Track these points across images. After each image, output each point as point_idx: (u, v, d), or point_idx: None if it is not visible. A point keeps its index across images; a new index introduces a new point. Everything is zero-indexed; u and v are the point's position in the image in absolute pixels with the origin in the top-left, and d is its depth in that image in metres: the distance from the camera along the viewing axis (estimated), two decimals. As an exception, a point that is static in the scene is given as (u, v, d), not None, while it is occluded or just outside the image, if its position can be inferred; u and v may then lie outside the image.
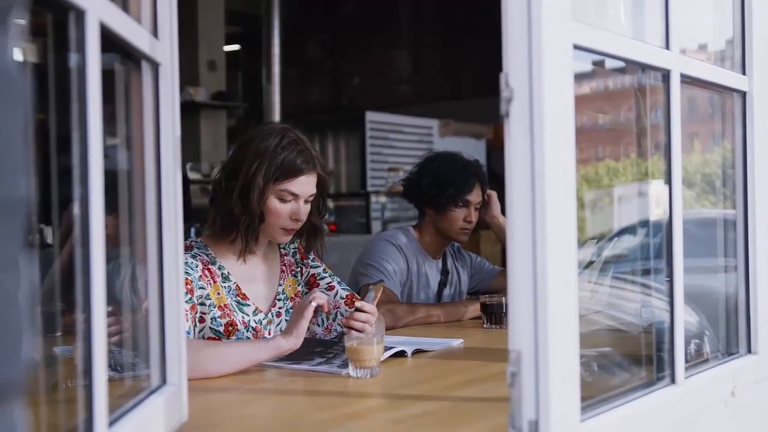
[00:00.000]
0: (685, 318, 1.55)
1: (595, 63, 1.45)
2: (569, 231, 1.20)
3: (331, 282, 2.37)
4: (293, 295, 2.34)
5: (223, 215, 2.18)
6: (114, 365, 1.35)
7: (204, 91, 7.42)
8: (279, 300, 2.31)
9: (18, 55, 0.60)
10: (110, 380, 1.06)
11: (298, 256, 2.39)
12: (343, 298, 2.33)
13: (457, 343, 2.33)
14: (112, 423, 1.08)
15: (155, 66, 1.33)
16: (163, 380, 1.36)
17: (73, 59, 1.01)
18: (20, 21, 0.61)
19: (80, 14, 0.98)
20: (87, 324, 1.00)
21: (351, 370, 1.85)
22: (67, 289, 1.12)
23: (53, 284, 1.64)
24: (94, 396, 1.00)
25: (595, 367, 1.55)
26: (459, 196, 2.95)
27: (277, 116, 8.55)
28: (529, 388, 1.15)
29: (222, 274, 2.20)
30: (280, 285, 2.32)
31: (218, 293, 2.16)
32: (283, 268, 2.35)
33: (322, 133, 8.50)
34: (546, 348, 1.14)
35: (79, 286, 1.00)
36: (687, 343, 1.59)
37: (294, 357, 2.01)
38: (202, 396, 1.65)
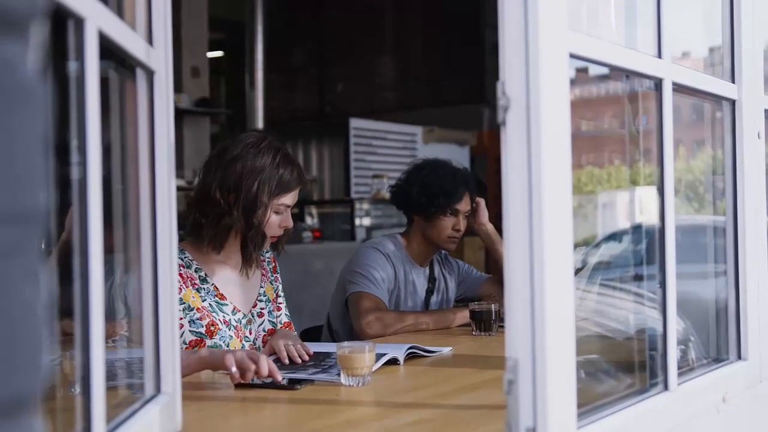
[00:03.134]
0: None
1: (577, 69, 1.46)
2: (566, 239, 1.20)
3: (281, 303, 2.48)
4: (272, 299, 2.43)
5: (223, 230, 2.22)
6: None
7: (187, 98, 7.40)
8: (261, 301, 2.37)
9: (38, 64, 0.60)
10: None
11: (271, 267, 2.48)
12: (281, 324, 2.42)
13: (447, 350, 2.33)
14: (108, 433, 1.08)
15: (150, 73, 1.33)
16: (158, 389, 1.35)
17: (71, 66, 1.00)
18: (39, 32, 0.60)
19: (79, 22, 0.97)
20: (85, 334, 0.99)
21: (342, 378, 1.85)
22: (57, 296, 1.11)
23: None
24: (92, 405, 0.99)
25: (588, 375, 1.55)
26: (448, 204, 2.95)
27: (260, 123, 8.54)
28: (527, 396, 1.16)
29: (199, 276, 2.25)
30: (261, 287, 2.39)
31: (193, 296, 2.20)
32: (263, 272, 2.43)
33: (305, 139, 8.49)
34: (543, 355, 1.14)
35: (78, 296, 0.99)
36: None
37: (288, 368, 2.00)
38: (195, 405, 1.64)
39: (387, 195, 3.34)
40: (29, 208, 0.56)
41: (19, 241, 0.56)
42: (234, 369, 1.79)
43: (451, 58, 9.17)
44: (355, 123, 7.98)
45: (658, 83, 1.51)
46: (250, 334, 2.31)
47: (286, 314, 2.48)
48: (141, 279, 1.35)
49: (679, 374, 1.55)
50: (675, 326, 1.52)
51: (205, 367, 1.94)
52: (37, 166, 0.57)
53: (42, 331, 0.58)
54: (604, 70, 1.56)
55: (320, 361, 2.10)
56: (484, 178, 7.22)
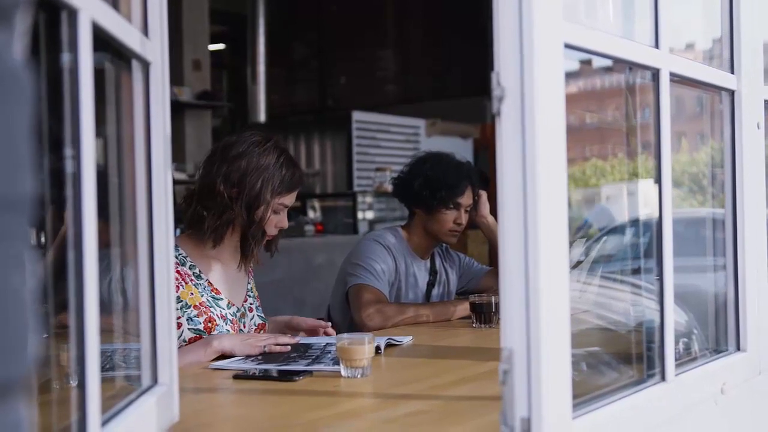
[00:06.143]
0: (673, 317, 1.56)
1: (582, 62, 1.46)
2: (561, 229, 1.20)
3: (255, 302, 2.48)
4: (257, 296, 2.48)
5: (224, 224, 2.25)
6: (103, 365, 1.34)
7: (189, 91, 7.40)
8: (250, 296, 2.43)
9: (23, 53, 0.60)
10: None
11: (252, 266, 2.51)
12: (256, 326, 2.42)
13: (408, 339, 2.35)
14: (104, 423, 1.08)
15: (146, 65, 1.33)
16: (155, 380, 1.35)
17: (64, 58, 1.00)
18: (25, 19, 0.61)
19: (73, 13, 0.97)
20: (79, 325, 1.00)
21: (342, 369, 1.85)
22: (54, 290, 1.12)
23: (41, 285, 1.64)
24: (87, 396, 0.99)
25: (586, 366, 1.56)
26: (450, 198, 2.94)
27: (262, 116, 8.54)
28: (522, 386, 1.16)
29: (194, 273, 2.27)
30: (249, 283, 2.45)
31: (191, 293, 2.24)
32: (250, 270, 2.47)
33: (308, 133, 8.49)
34: (538, 346, 1.15)
35: (72, 288, 0.99)
36: (675, 342, 1.59)
37: (278, 361, 2.00)
38: (192, 396, 1.65)
39: (390, 188, 3.35)
40: (15, 195, 0.57)
41: (4, 227, 0.56)
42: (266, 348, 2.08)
43: (453, 50, 9.16)
44: (357, 116, 7.98)
45: (655, 74, 1.51)
46: (244, 327, 2.35)
47: (259, 315, 2.49)
48: (138, 271, 1.35)
49: (678, 365, 1.55)
50: (672, 317, 1.52)
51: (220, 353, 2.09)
52: (22, 155, 0.58)
53: (29, 317, 0.59)
54: (608, 62, 1.55)
55: (304, 352, 2.10)
56: (488, 171, 7.21)
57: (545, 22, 1.16)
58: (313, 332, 2.41)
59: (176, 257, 2.24)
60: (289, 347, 2.13)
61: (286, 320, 2.48)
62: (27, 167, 0.58)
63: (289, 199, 2.32)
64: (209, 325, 2.22)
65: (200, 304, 2.23)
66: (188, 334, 2.19)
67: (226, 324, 2.25)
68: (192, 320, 2.20)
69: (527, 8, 1.14)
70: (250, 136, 2.31)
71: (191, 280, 2.25)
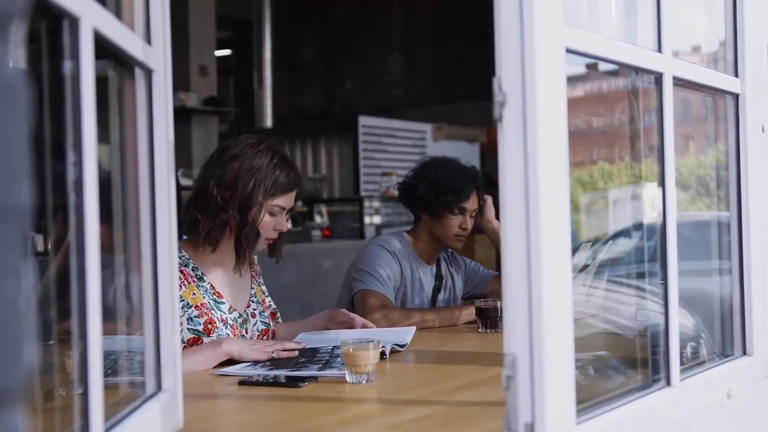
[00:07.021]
0: (680, 321, 1.55)
1: (588, 66, 1.45)
2: (563, 234, 1.20)
3: (269, 300, 2.52)
4: (261, 300, 2.47)
5: (218, 226, 2.25)
6: (107, 371, 1.34)
7: (195, 97, 7.40)
8: (253, 302, 2.42)
9: (19, 62, 0.60)
10: (104, 386, 1.06)
11: (258, 270, 2.52)
12: (258, 332, 2.41)
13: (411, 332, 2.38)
14: (107, 430, 1.08)
15: (148, 72, 1.33)
16: (159, 387, 1.36)
17: (66, 66, 1.01)
18: (20, 29, 0.61)
19: (74, 21, 0.98)
20: (82, 331, 1.00)
21: (347, 375, 1.85)
22: (60, 297, 1.12)
23: (47, 292, 1.64)
24: (90, 403, 1.00)
25: (591, 370, 1.55)
26: (456, 203, 2.94)
27: (269, 121, 8.54)
28: (525, 391, 1.15)
29: (196, 275, 2.28)
30: (252, 288, 2.44)
31: (193, 294, 2.24)
32: (253, 274, 2.47)
33: (314, 137, 8.49)
34: (541, 351, 1.14)
35: (75, 294, 0.99)
36: (683, 346, 1.59)
37: (287, 367, 2.00)
38: (197, 403, 1.65)
39: (395, 192, 3.36)
40: (11, 204, 0.57)
41: (1, 237, 0.56)
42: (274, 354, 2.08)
43: (459, 54, 9.15)
44: (364, 121, 7.98)
45: (658, 78, 1.50)
46: (246, 333, 2.35)
47: (263, 321, 2.47)
48: (141, 277, 1.36)
49: (684, 370, 1.54)
50: (677, 321, 1.52)
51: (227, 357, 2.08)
52: (19, 164, 0.58)
53: (24, 326, 0.59)
54: (615, 66, 1.55)
55: (312, 357, 2.10)
56: (495, 176, 7.19)
57: (546, 27, 1.16)
58: (350, 325, 2.45)
59: (180, 259, 2.25)
60: (296, 353, 2.13)
61: (328, 314, 2.51)
62: (24, 177, 0.58)
63: (285, 201, 2.30)
64: (209, 326, 2.22)
65: (201, 305, 2.23)
66: (187, 335, 2.19)
67: (225, 328, 2.25)
68: (192, 320, 2.20)
69: (528, 12, 1.14)
70: (245, 139, 2.32)
71: (193, 281, 2.26)
